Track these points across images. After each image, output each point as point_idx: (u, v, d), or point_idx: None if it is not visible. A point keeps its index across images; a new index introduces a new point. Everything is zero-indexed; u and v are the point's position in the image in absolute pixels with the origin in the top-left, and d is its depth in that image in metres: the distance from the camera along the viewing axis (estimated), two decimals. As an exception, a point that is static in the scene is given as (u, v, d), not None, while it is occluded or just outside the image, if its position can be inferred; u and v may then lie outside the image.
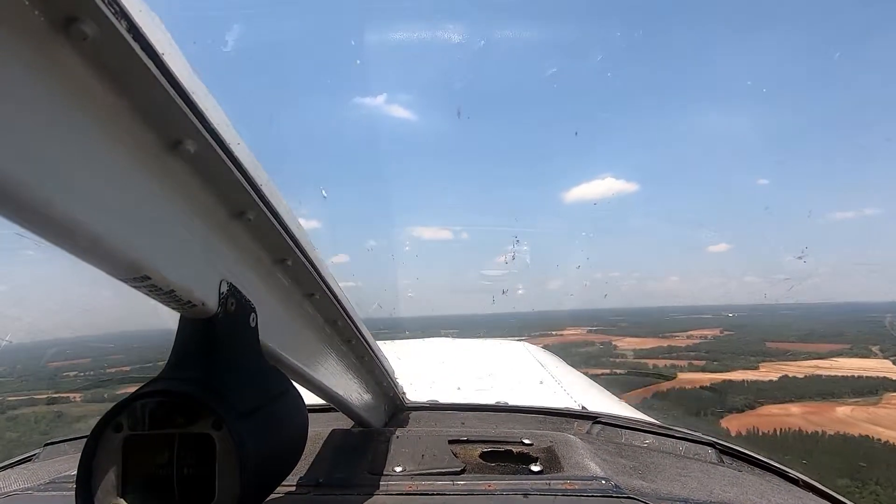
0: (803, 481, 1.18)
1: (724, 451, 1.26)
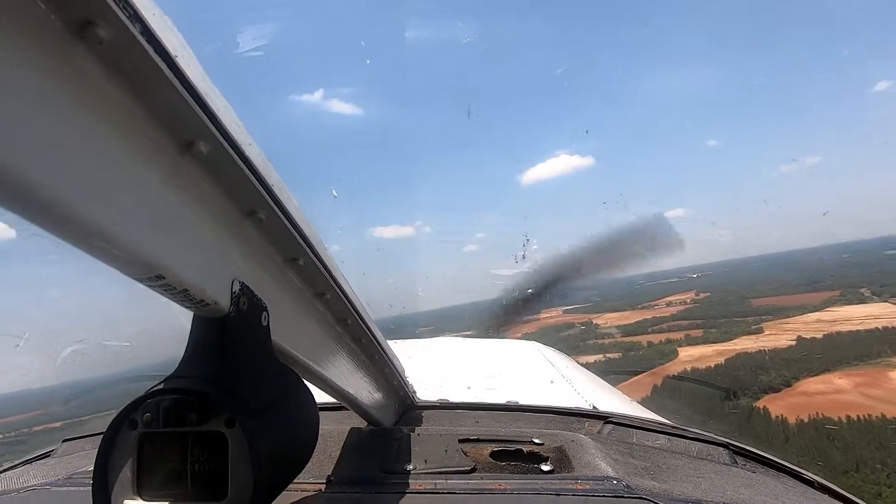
0: (819, 483, 1.16)
1: (738, 452, 1.24)
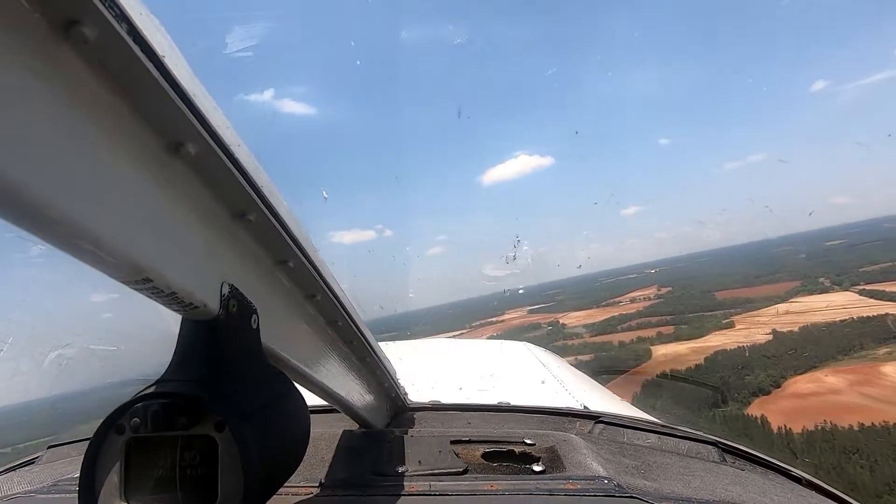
0: (806, 480, 1.18)
1: (727, 450, 1.26)
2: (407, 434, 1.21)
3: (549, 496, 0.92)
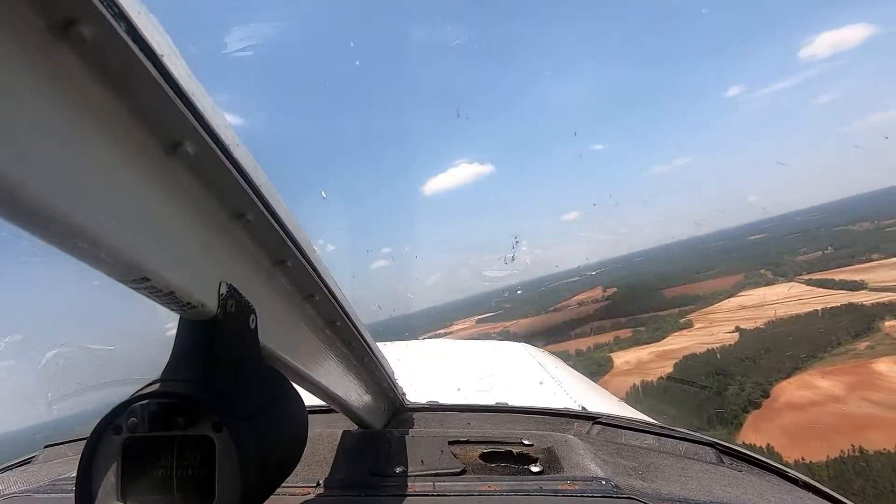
0: (803, 481, 1.18)
1: (724, 452, 1.26)
2: (405, 434, 1.21)
3: (546, 497, 0.92)
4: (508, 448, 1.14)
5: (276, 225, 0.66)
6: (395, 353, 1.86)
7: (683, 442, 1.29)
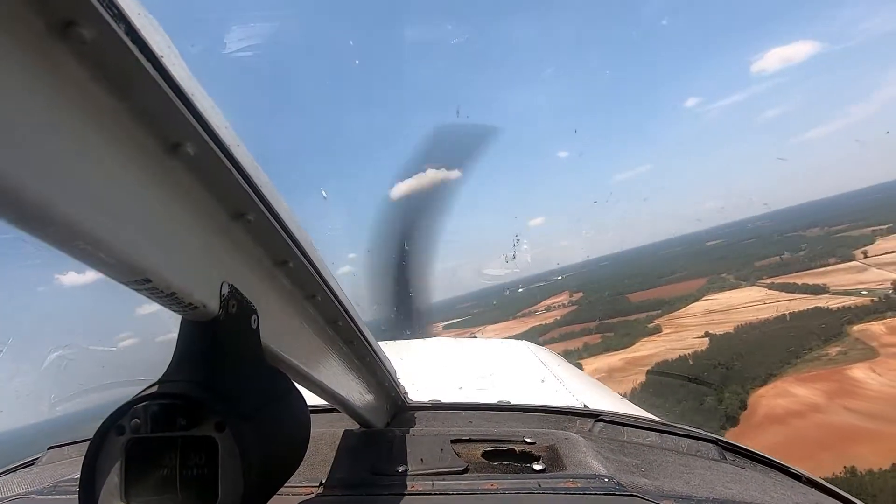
0: (805, 477, 1.18)
1: (727, 448, 1.26)
2: (407, 433, 1.22)
3: (549, 495, 0.92)
4: (511, 446, 1.14)
5: (277, 225, 0.66)
6: (397, 352, 1.86)
7: (686, 439, 1.29)
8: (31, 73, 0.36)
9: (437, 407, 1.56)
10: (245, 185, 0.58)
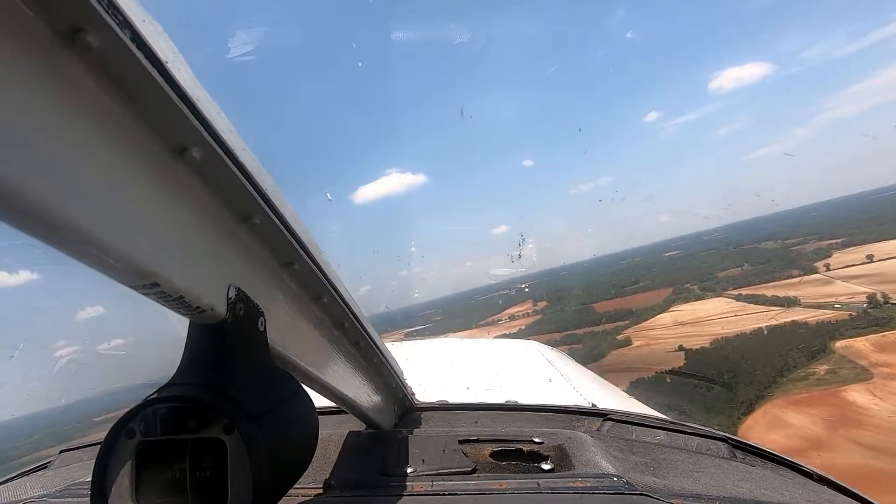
0: (818, 475, 1.16)
1: (737, 446, 1.25)
2: (414, 434, 1.22)
3: (558, 495, 0.91)
4: (519, 446, 1.14)
5: (282, 228, 0.67)
6: (404, 353, 1.86)
7: (695, 437, 1.28)
8: (38, 79, 0.37)
9: (444, 407, 1.56)
10: (251, 189, 0.59)
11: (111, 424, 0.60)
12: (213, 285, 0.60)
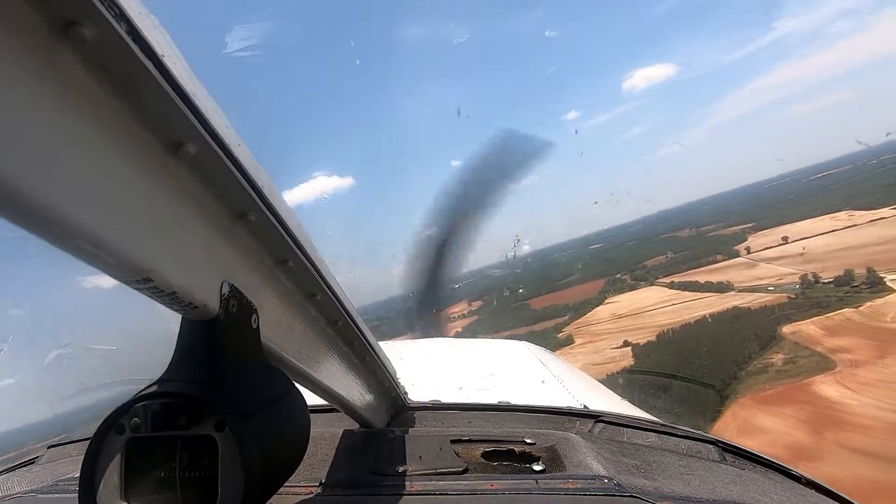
0: (805, 478, 1.18)
1: (727, 449, 1.26)
2: (407, 433, 1.22)
3: (549, 495, 0.92)
4: (510, 447, 1.14)
5: (277, 225, 0.67)
6: (397, 352, 1.86)
7: (686, 440, 1.29)
8: (33, 73, 0.36)
9: (437, 407, 1.56)
10: (246, 185, 0.58)
11: (100, 420, 0.60)
12: (206, 281, 0.60)
